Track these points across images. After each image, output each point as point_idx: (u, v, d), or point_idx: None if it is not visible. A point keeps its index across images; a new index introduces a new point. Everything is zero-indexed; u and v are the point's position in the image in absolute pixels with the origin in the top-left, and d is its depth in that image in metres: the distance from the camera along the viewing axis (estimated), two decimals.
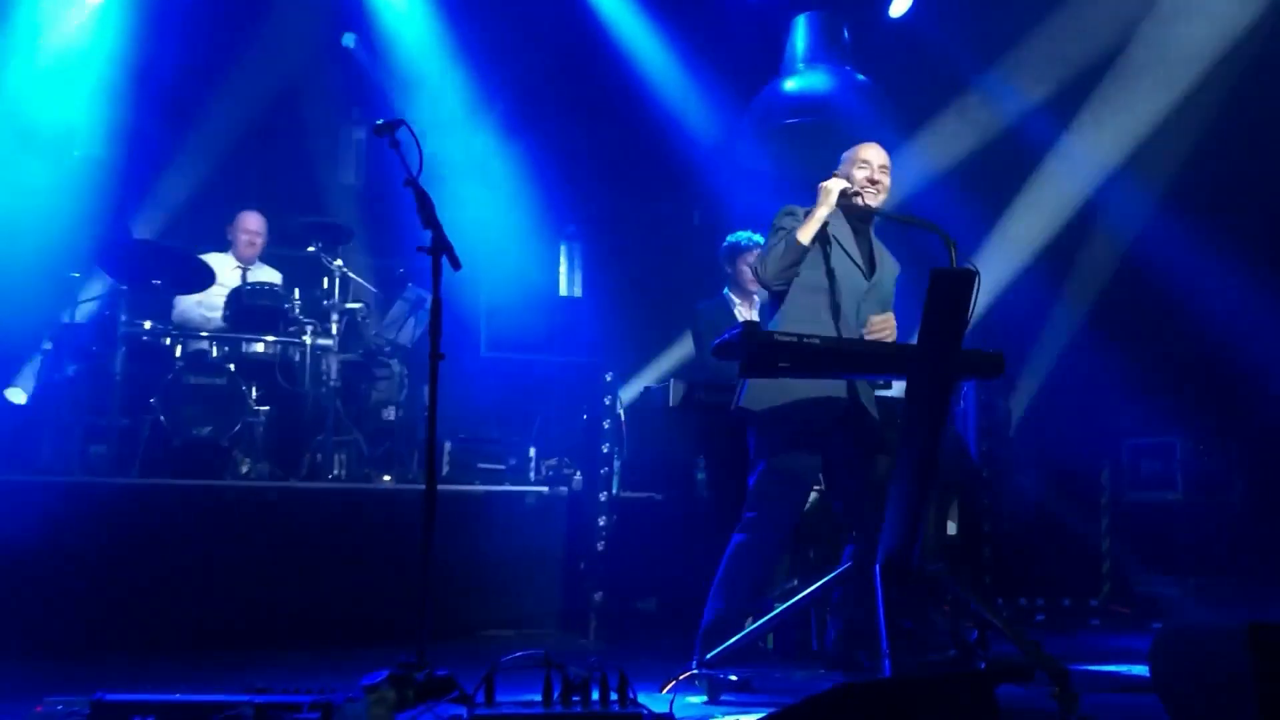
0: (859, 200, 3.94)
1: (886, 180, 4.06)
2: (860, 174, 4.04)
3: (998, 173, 7.42)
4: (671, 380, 4.98)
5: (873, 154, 4.09)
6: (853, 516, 4.02)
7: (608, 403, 5.42)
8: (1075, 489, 6.59)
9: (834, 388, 3.90)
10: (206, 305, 6.05)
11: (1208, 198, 6.78)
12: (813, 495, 4.83)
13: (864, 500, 3.96)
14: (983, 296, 3.35)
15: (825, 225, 3.95)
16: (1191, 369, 6.85)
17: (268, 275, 6.33)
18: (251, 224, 6.31)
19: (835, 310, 3.95)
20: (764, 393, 3.89)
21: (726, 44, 7.91)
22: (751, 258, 5.42)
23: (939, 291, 3.32)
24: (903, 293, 4.64)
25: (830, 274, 3.97)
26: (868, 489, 3.95)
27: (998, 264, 7.15)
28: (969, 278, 3.32)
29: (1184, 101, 6.83)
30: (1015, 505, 6.21)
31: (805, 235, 3.87)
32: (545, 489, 5.68)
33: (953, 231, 3.71)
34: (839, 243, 4.01)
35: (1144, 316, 7.06)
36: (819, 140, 7.26)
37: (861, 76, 7.63)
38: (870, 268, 4.06)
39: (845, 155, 4.14)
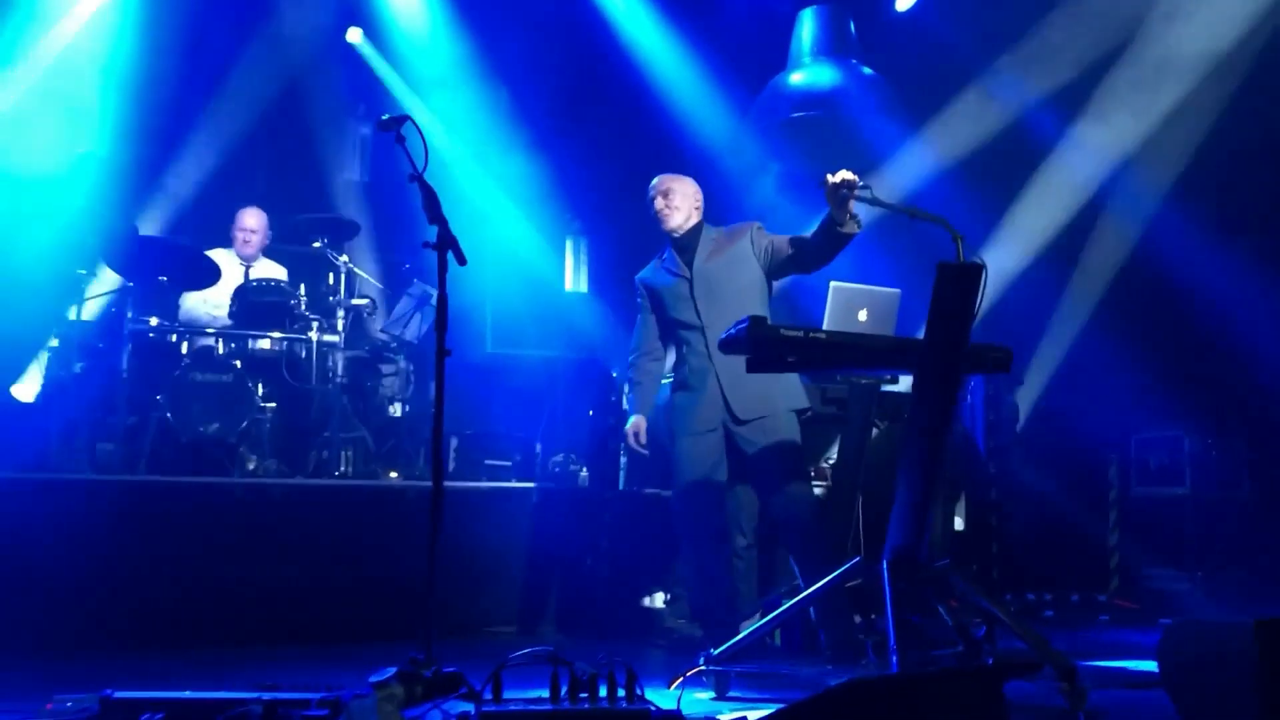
0: (860, 194, 3.93)
1: (661, 203, 4.42)
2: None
3: (1005, 166, 7.39)
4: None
5: (654, 183, 4.50)
6: (785, 538, 4.27)
7: (613, 399, 5.42)
8: (1083, 484, 6.58)
9: (714, 413, 4.16)
10: (212, 303, 6.05)
11: (1217, 191, 6.75)
12: (819, 493, 4.85)
13: (777, 512, 4.21)
14: (990, 290, 3.34)
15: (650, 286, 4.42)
16: (1200, 363, 6.82)
17: (272, 271, 6.32)
18: (248, 221, 6.24)
19: (687, 326, 4.28)
20: (670, 414, 4.29)
21: (733, 39, 7.89)
22: None
23: (945, 286, 3.31)
24: (910, 288, 4.64)
25: (663, 307, 4.36)
26: (786, 511, 4.17)
27: (1005, 258, 7.13)
28: (976, 271, 3.31)
29: (1193, 94, 6.80)
30: (1023, 500, 6.20)
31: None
32: (551, 485, 5.68)
33: (959, 225, 3.70)
34: (661, 273, 4.40)
35: (1152, 310, 7.03)
36: (825, 134, 7.26)
37: (868, 70, 7.62)
38: (689, 265, 4.33)
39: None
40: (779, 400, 4.19)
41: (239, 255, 6.25)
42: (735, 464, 4.25)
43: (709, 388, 4.20)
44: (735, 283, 4.27)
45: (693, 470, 4.19)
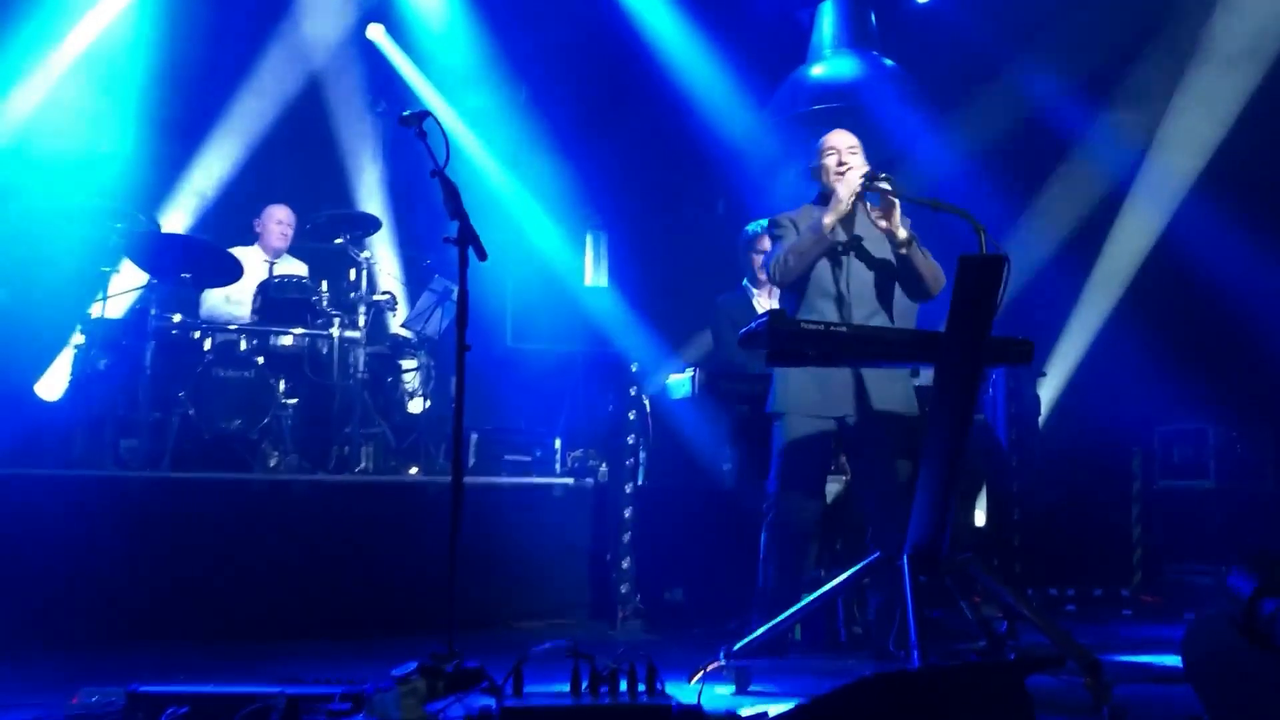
0: (881, 185, 3.91)
1: (856, 159, 4.10)
2: (830, 160, 4.12)
3: (1028, 157, 7.35)
4: (695, 369, 4.99)
5: (837, 139, 4.17)
6: (872, 515, 4.08)
7: (633, 393, 5.42)
8: (1106, 477, 6.54)
9: (843, 401, 3.95)
10: (234, 300, 6.08)
11: (1240, 181, 6.69)
12: (838, 488, 4.83)
13: (883, 501, 4.00)
14: (1012, 282, 3.32)
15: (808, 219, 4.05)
16: (1224, 355, 6.76)
17: (294, 268, 6.36)
18: (281, 214, 6.36)
19: (825, 295, 4.02)
20: (786, 395, 4.02)
21: (752, 31, 7.87)
22: (764, 245, 5.40)
23: (968, 278, 3.29)
24: None
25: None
26: (886, 491, 3.98)
27: (1028, 249, 7.09)
28: (998, 263, 3.29)
29: (1219, 82, 6.73)
30: (1045, 493, 6.16)
31: (830, 224, 3.90)
32: (571, 480, 5.69)
33: (981, 217, 3.68)
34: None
35: (1176, 302, 6.98)
36: (846, 126, 7.21)
37: (889, 62, 7.58)
38: (847, 230, 4.09)
39: (816, 148, 4.21)
40: (908, 398, 4.04)
41: (270, 249, 6.29)
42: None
43: (840, 368, 3.94)
44: (884, 264, 4.06)
45: (800, 456, 3.97)
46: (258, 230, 6.35)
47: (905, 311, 4.17)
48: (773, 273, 4.05)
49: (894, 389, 4.02)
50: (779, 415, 4.05)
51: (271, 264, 6.19)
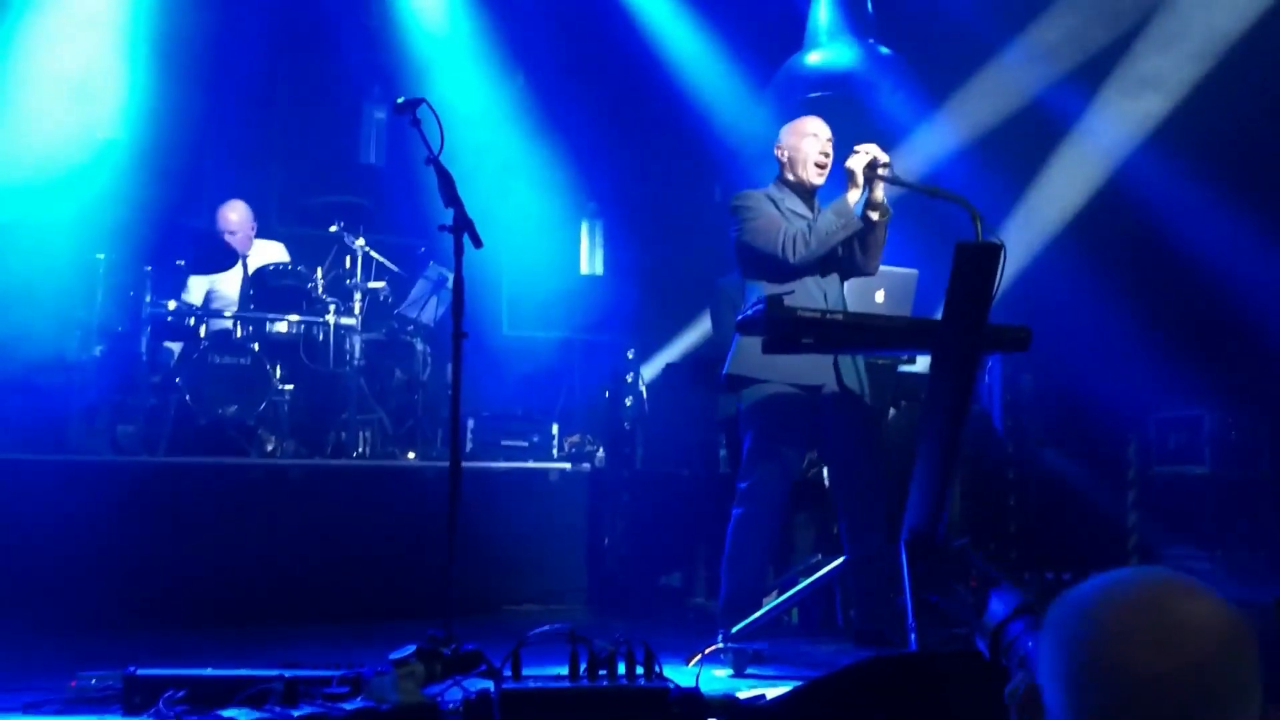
0: (883, 173, 3.89)
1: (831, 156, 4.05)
2: (810, 146, 4.01)
3: (1025, 144, 7.34)
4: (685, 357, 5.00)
5: (821, 126, 4.06)
6: (839, 497, 4.02)
7: (629, 379, 5.43)
8: (1101, 462, 6.55)
9: (822, 370, 3.87)
10: (217, 293, 6.08)
11: (1238, 167, 6.68)
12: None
13: (850, 482, 3.96)
14: (1008, 269, 3.32)
15: (782, 204, 3.98)
16: (1220, 341, 6.76)
17: (271, 252, 6.28)
18: (228, 218, 6.17)
19: (817, 279, 3.95)
20: (752, 362, 3.87)
21: (748, 18, 7.85)
22: None
23: (964, 265, 3.29)
24: (928, 267, 4.62)
25: None
26: (855, 471, 3.94)
27: (1024, 236, 7.09)
28: (994, 251, 3.30)
29: (1215, 68, 6.73)
30: (1041, 479, 6.18)
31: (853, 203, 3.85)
32: (568, 465, 5.70)
33: (978, 204, 3.68)
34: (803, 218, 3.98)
35: (1171, 288, 6.98)
36: (842, 114, 7.19)
37: (885, 49, 7.56)
38: None
39: (787, 129, 4.09)
40: (864, 385, 4.03)
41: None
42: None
43: None
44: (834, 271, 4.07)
45: (781, 427, 3.86)
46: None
47: (902, 298, 4.18)
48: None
49: (858, 371, 4.00)
50: (750, 381, 3.90)
51: (245, 259, 6.10)
